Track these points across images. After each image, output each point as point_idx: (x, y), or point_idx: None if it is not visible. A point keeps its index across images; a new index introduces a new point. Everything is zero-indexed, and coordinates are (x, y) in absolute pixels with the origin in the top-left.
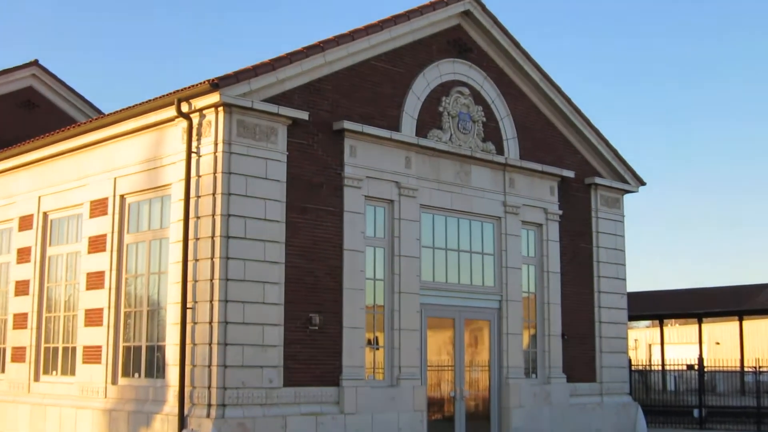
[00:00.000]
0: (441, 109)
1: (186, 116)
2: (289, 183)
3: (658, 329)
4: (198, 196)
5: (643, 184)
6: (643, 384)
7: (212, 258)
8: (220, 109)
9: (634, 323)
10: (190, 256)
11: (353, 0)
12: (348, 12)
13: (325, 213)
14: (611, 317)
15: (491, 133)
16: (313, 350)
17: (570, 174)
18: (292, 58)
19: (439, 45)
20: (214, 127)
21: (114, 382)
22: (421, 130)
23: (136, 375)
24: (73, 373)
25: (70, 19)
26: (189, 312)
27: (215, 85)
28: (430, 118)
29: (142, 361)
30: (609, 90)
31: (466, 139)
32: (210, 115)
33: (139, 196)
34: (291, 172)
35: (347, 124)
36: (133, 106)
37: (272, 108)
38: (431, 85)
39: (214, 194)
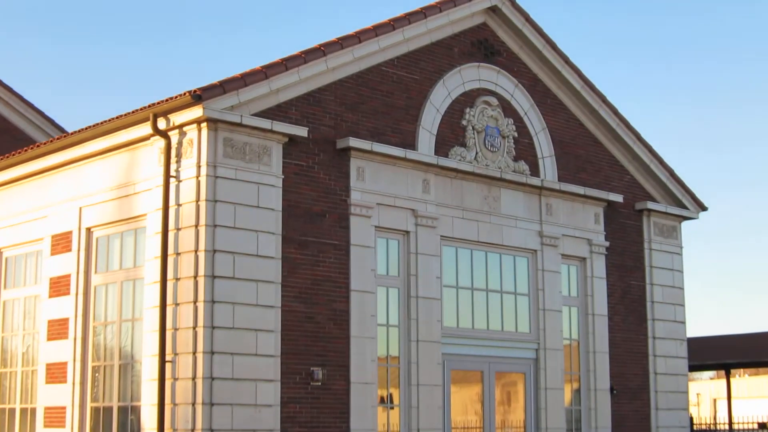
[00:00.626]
0: (464, 122)
1: (163, 134)
2: (285, 212)
3: (724, 381)
4: (178, 229)
5: (704, 209)
6: None
7: (195, 302)
8: (204, 125)
9: (696, 374)
10: (169, 300)
11: (360, 2)
12: (355, 14)
13: (329, 247)
14: (669, 368)
15: (524, 150)
16: (315, 411)
17: (618, 198)
18: (288, 64)
19: (462, 47)
20: (196, 146)
21: None
22: (441, 147)
23: None
24: None
25: (31, 29)
26: (168, 366)
27: (197, 96)
28: (451, 134)
29: (114, 424)
30: (658, 103)
31: (494, 157)
32: (192, 132)
33: (108, 229)
34: (288, 198)
35: (353, 142)
36: (102, 123)
37: (265, 123)
38: (453, 95)
39: (196, 226)
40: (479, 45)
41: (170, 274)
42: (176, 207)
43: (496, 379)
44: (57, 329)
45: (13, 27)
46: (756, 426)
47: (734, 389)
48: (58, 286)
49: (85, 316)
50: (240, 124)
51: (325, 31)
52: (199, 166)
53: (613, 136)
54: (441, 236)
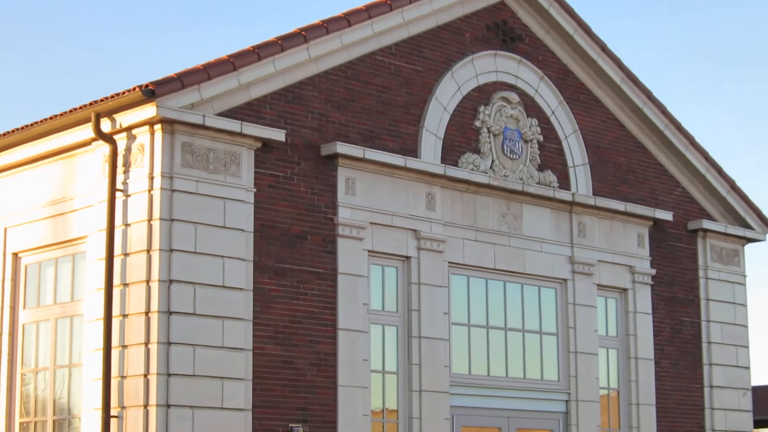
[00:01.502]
0: (478, 123)
1: (108, 138)
2: (258, 233)
3: None
4: (126, 254)
5: None
6: None
7: (147, 343)
8: (158, 127)
9: (764, 431)
10: (115, 341)
11: None
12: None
13: (311, 276)
14: (730, 423)
15: (551, 157)
16: None
17: (667, 216)
18: (262, 52)
19: (475, 31)
20: (148, 153)
21: None
22: (450, 154)
23: None
24: None
25: None
26: (114, 422)
27: (150, 92)
28: (462, 138)
29: None
30: (714, 102)
31: (514, 166)
32: (143, 136)
33: (40, 255)
34: (261, 217)
35: (342, 148)
36: (32, 125)
37: (233, 125)
38: (463, 90)
39: (148, 251)
40: (496, 29)
41: (116, 310)
42: (124, 227)
43: None
44: None
45: None
46: None
47: None
48: None
49: (11, 361)
50: (202, 126)
51: (309, 15)
52: (151, 178)
53: (660, 140)
54: (449, 263)
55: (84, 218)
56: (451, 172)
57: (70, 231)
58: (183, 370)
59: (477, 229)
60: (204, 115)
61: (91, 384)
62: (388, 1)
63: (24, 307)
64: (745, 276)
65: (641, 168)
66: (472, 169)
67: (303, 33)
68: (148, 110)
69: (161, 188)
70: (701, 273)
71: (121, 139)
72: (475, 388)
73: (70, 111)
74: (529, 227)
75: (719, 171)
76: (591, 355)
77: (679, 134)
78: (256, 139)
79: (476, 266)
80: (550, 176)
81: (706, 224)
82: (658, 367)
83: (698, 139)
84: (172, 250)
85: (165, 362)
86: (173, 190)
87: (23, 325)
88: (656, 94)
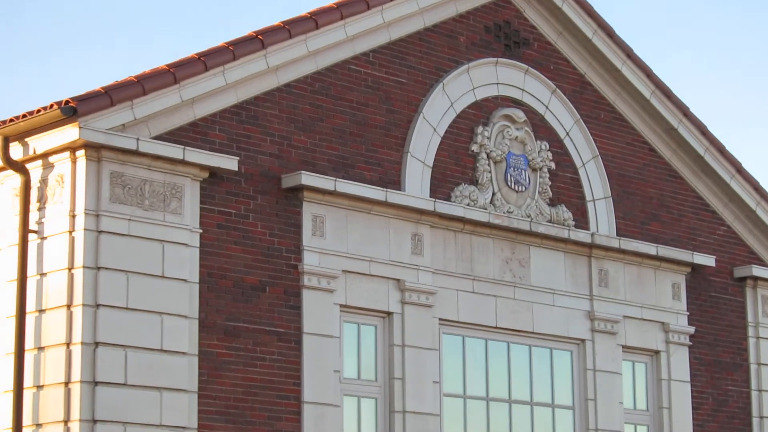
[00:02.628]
0: (475, 148)
1: (19, 167)
2: (204, 284)
3: None
4: (41, 311)
5: None
6: None
7: (66, 421)
8: (81, 153)
9: None
10: (28, 419)
11: None
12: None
13: (270, 337)
14: None
15: (565, 189)
16: None
17: (708, 261)
18: (210, 61)
19: (472, 34)
20: (69, 185)
21: None
22: (441, 186)
23: None
24: None
25: None
26: None
27: (71, 110)
28: (455, 166)
29: None
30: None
31: (520, 200)
32: (62, 164)
33: None
34: (208, 264)
35: (308, 179)
36: None
37: (174, 151)
38: (457, 107)
39: (69, 306)
40: (498, 31)
41: (29, 380)
42: (38, 277)
43: None
44: None
45: None
46: None
47: None
48: None
49: None
50: (136, 152)
51: (272, 15)
52: (73, 216)
53: (700, 167)
54: (440, 320)
55: None
56: (443, 207)
57: None
58: None
59: (475, 278)
60: (138, 139)
61: None
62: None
63: None
64: None
65: (676, 202)
66: (469, 204)
67: (260, 37)
68: (69, 133)
69: (85, 229)
70: (751, 331)
71: (35, 169)
72: None
73: None
74: (539, 275)
75: None
76: None
77: (722, 159)
78: (203, 167)
79: (474, 324)
80: (565, 212)
81: (757, 271)
82: None
83: (746, 166)
84: (97, 306)
85: None
86: (100, 232)
87: None
88: (695, 110)
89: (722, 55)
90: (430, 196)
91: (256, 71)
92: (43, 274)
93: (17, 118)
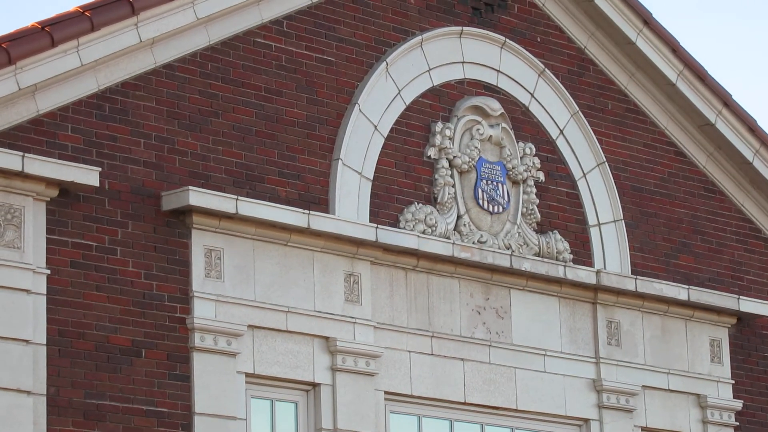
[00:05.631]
0: (432, 152)
1: None
2: (54, 347)
3: None
4: None
5: None
6: None
7: None
8: None
9: None
10: None
11: None
12: None
13: (148, 420)
14: None
15: (559, 209)
16: None
17: (760, 308)
18: (57, 31)
19: None
20: None
21: None
22: (385, 207)
23: None
24: None
25: None
26: None
27: None
28: (404, 178)
29: None
30: None
31: (496, 225)
32: None
33: None
34: (59, 318)
35: (198, 197)
36: None
37: (7, 159)
38: (407, 94)
39: None
40: None
41: None
42: None
43: None
44: None
45: None
46: None
47: None
48: None
49: None
50: None
51: None
52: None
53: (747, 176)
54: (386, 393)
55: None
56: (388, 237)
57: None
58: None
59: (434, 334)
60: None
61: None
62: None
63: None
64: None
65: (715, 226)
66: (424, 232)
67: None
68: None
69: None
70: None
71: None
72: None
73: None
74: (524, 331)
75: None
76: None
77: None
78: (50, 182)
79: (433, 399)
80: (559, 242)
81: None
82: None
83: None
84: None
85: None
86: None
87: None
88: (739, 98)
89: None
90: (371, 221)
91: (124, 47)
92: None
93: None
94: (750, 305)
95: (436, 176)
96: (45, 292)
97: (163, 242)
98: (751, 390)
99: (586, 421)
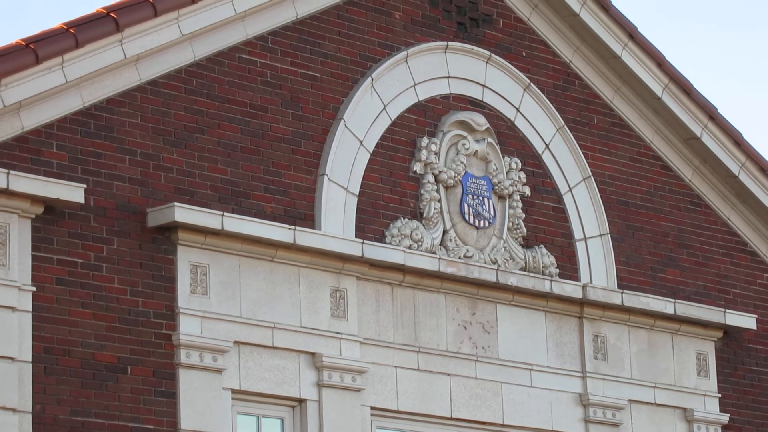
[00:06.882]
0: (418, 168)
1: None
2: (40, 364)
3: None
4: None
5: None
6: None
7: None
8: None
9: None
10: None
11: None
12: None
13: None
14: None
15: (546, 224)
16: None
17: (746, 321)
18: (41, 48)
19: (411, 8)
20: None
21: None
22: (370, 222)
23: None
24: None
25: None
26: None
27: None
28: (390, 193)
29: None
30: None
31: (482, 240)
32: None
33: None
34: (44, 336)
35: (183, 213)
36: None
37: None
38: (392, 110)
39: None
40: (448, 4)
41: None
42: None
43: None
44: None
45: None
46: None
47: None
48: None
49: None
50: None
51: None
52: None
53: (734, 190)
54: (372, 409)
55: None
56: (374, 252)
57: None
58: None
59: (420, 349)
60: None
61: None
62: None
63: None
64: None
65: (701, 240)
66: (410, 247)
67: (113, 14)
68: None
69: None
70: None
71: None
72: None
73: None
74: (510, 345)
75: None
76: None
77: (765, 180)
78: (35, 200)
79: (419, 414)
80: (545, 257)
81: None
82: None
83: None
84: None
85: None
86: None
87: None
88: (725, 112)
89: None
90: (357, 237)
91: (108, 63)
92: None
93: None
94: (736, 319)
95: (422, 191)
96: (30, 309)
97: (149, 259)
98: (737, 403)
99: None
